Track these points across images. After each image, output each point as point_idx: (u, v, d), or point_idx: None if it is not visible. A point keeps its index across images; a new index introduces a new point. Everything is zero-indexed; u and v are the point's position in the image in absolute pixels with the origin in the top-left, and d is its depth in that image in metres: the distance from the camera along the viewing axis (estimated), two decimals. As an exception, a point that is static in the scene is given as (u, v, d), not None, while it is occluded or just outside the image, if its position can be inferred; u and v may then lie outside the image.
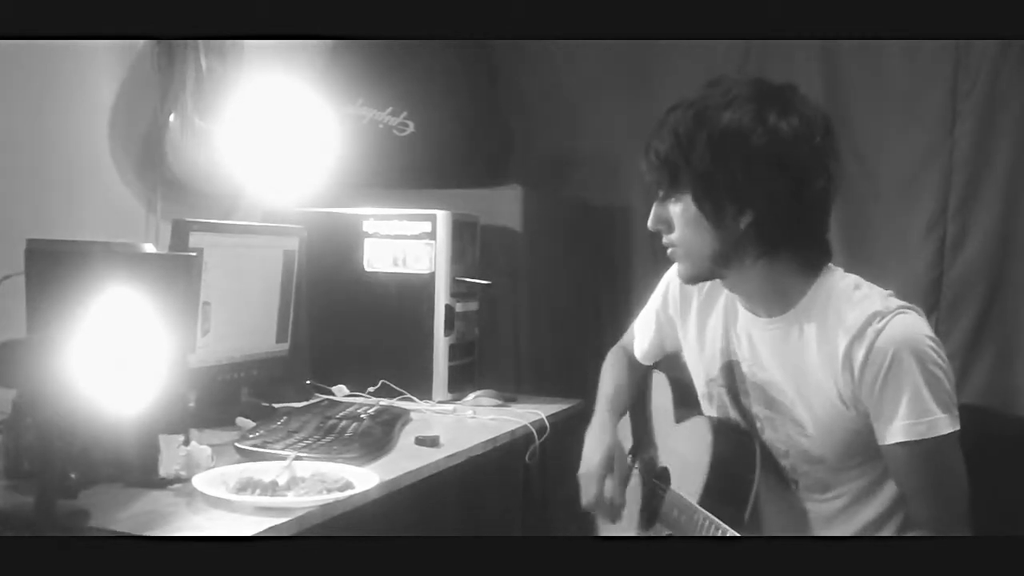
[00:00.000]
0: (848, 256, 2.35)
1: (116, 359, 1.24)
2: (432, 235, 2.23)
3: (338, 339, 2.31)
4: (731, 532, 1.42)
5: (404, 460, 1.68)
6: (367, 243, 2.29)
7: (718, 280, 1.59)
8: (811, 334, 1.49)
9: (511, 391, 2.31)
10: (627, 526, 1.78)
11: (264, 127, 2.25)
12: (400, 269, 2.26)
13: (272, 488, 1.40)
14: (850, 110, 2.44)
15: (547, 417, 2.06)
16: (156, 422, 1.44)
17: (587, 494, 1.70)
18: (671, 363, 1.84)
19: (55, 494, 1.24)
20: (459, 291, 2.28)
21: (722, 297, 1.62)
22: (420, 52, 2.47)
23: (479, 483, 2.23)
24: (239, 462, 1.56)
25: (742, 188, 1.44)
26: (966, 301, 2.34)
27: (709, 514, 1.47)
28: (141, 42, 2.09)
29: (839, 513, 1.53)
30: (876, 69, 2.41)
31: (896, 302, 1.46)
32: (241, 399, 2.07)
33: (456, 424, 2.05)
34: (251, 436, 1.70)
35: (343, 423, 1.81)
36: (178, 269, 1.54)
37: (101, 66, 2.04)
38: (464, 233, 2.32)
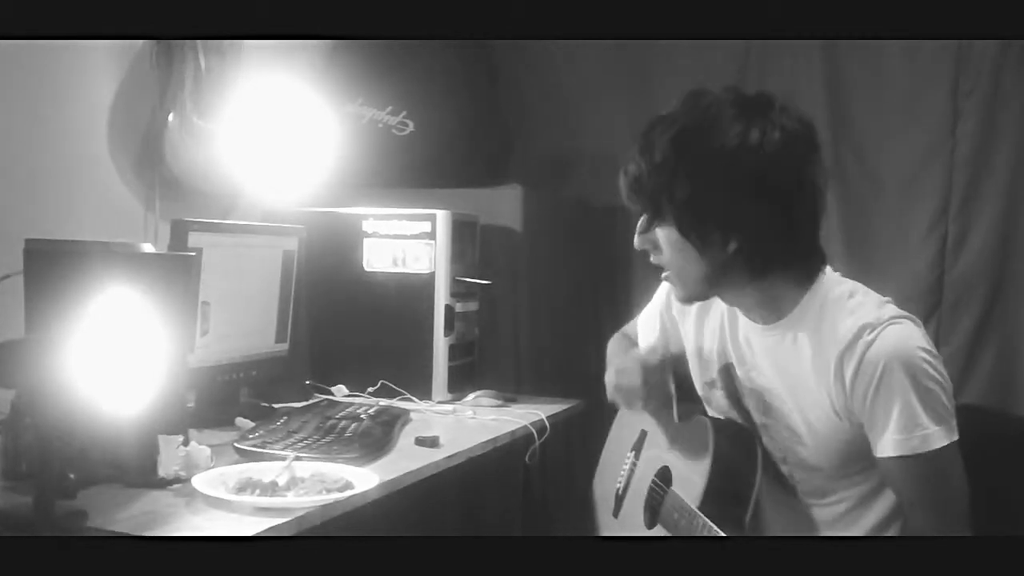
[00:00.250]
0: (849, 256, 2.36)
1: (115, 359, 1.24)
2: (432, 235, 2.23)
3: (338, 339, 2.31)
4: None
5: (404, 460, 1.68)
6: (367, 243, 2.29)
7: None
8: (804, 343, 1.47)
9: (511, 391, 2.31)
10: (628, 525, 1.78)
11: (263, 126, 2.25)
12: (400, 269, 2.26)
13: (272, 488, 1.40)
14: (850, 110, 2.44)
15: (547, 417, 2.06)
16: (155, 422, 1.44)
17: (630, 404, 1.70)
18: (675, 360, 1.84)
19: (54, 494, 1.24)
20: (459, 291, 2.28)
21: (721, 303, 1.62)
22: (420, 52, 2.47)
23: (479, 483, 2.22)
24: (238, 462, 1.56)
25: (727, 215, 1.40)
26: (967, 301, 2.34)
27: (709, 521, 1.46)
28: (140, 42, 2.08)
29: (841, 518, 1.52)
30: (876, 69, 2.41)
31: (890, 311, 1.43)
32: (240, 399, 2.07)
33: (456, 424, 2.04)
34: (250, 436, 1.70)
35: (343, 423, 1.80)
36: (177, 269, 1.54)
37: (100, 66, 2.04)
38: (464, 233, 2.32)
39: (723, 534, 1.42)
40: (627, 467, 1.84)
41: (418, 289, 2.24)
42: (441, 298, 2.23)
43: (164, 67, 2.11)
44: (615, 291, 2.63)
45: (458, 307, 2.28)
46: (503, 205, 2.46)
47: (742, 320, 1.57)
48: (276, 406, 2.02)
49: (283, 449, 1.62)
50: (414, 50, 2.46)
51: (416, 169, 2.51)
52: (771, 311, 1.51)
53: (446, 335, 2.24)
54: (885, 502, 1.50)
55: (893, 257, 2.38)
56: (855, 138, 2.43)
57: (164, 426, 1.47)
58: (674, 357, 1.75)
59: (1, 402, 1.42)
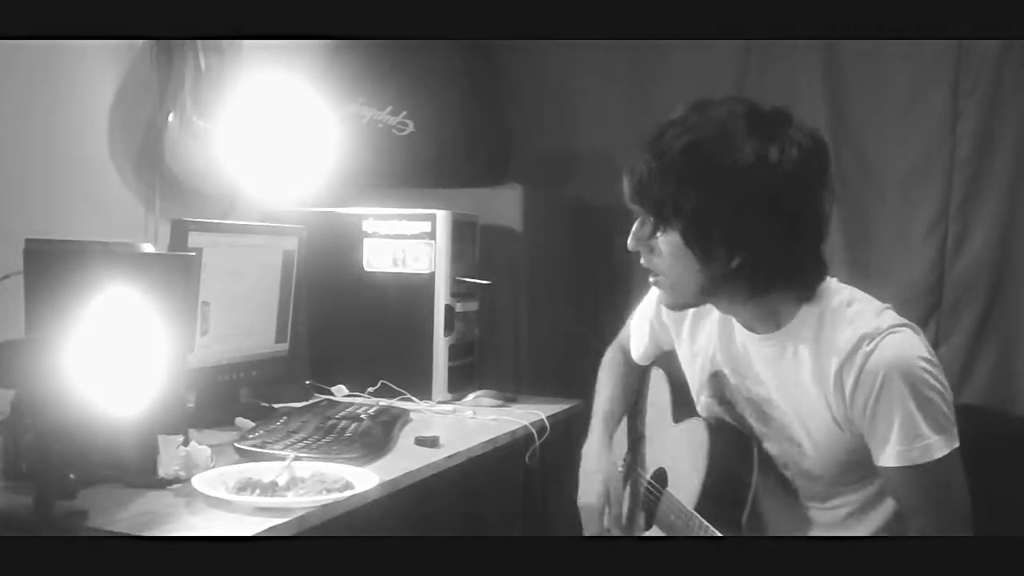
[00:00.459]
0: (849, 256, 2.35)
1: (115, 359, 1.24)
2: (432, 235, 2.22)
3: (338, 339, 2.30)
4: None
5: (404, 460, 1.68)
6: (366, 243, 2.28)
7: None
8: (804, 354, 1.46)
9: (511, 391, 2.31)
10: (626, 527, 1.78)
11: (263, 126, 2.25)
12: (400, 269, 2.26)
13: (272, 488, 1.40)
14: (850, 110, 2.44)
15: (547, 417, 2.06)
16: (155, 422, 1.44)
17: (589, 528, 1.72)
18: (671, 360, 1.84)
19: (54, 495, 1.24)
20: (459, 291, 2.28)
21: (716, 310, 1.61)
22: (420, 52, 2.47)
23: (479, 483, 2.22)
24: (238, 462, 1.56)
25: (734, 230, 1.38)
26: (967, 301, 2.34)
27: (705, 521, 1.46)
28: (140, 42, 2.08)
29: (842, 521, 1.52)
30: (876, 69, 2.41)
31: (889, 320, 1.41)
32: (240, 399, 2.07)
33: (456, 424, 2.04)
34: (250, 436, 1.70)
35: (343, 423, 1.80)
36: (177, 269, 1.54)
37: (100, 66, 2.04)
38: (464, 233, 2.32)
39: (719, 534, 1.42)
40: (624, 468, 1.84)
41: (418, 289, 2.24)
42: (441, 298, 2.23)
43: (164, 67, 2.11)
44: (615, 291, 2.63)
45: (458, 307, 2.28)
46: (503, 205, 2.46)
47: (738, 329, 1.55)
48: (276, 406, 2.02)
49: (283, 449, 1.62)
50: (414, 50, 2.46)
51: (416, 169, 2.51)
52: (769, 322, 1.49)
53: (446, 335, 2.24)
54: (887, 507, 1.49)
55: (893, 257, 2.38)
56: (855, 138, 2.43)
57: (164, 426, 1.47)
58: (674, 384, 1.77)
59: (1, 402, 1.42)
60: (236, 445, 1.65)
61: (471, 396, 2.24)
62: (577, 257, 2.70)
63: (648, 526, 1.69)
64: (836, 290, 1.48)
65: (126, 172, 2.10)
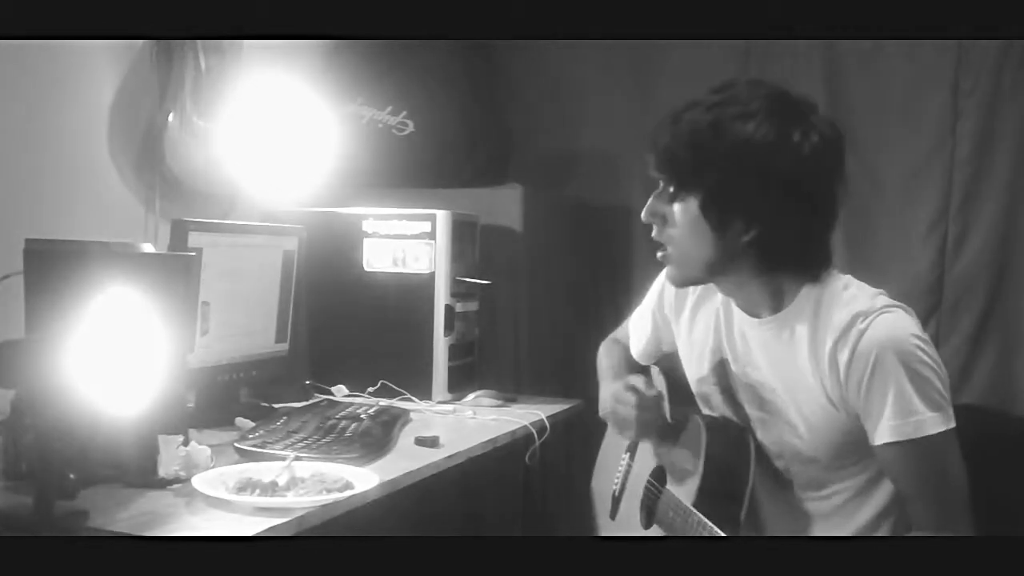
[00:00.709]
0: (849, 255, 2.35)
1: (115, 359, 1.24)
2: (432, 235, 2.22)
3: (338, 339, 2.30)
4: (722, 534, 1.42)
5: (404, 460, 1.68)
6: (367, 243, 2.28)
7: None
8: (801, 335, 1.48)
9: (511, 391, 2.31)
10: (625, 526, 1.78)
11: (263, 126, 2.25)
12: (400, 269, 2.26)
13: (272, 488, 1.40)
14: (851, 110, 2.44)
15: (547, 417, 2.06)
16: (155, 422, 1.44)
17: (621, 427, 1.70)
18: (668, 361, 1.84)
19: (54, 495, 1.24)
20: (459, 291, 2.28)
21: (717, 295, 1.62)
22: (420, 51, 2.47)
23: (479, 483, 2.22)
24: (238, 462, 1.56)
25: (753, 204, 1.42)
26: (967, 300, 2.34)
27: (703, 517, 1.47)
28: (140, 42, 2.08)
29: (837, 510, 1.53)
30: (876, 69, 2.41)
31: (883, 301, 1.45)
32: (240, 399, 2.07)
33: (456, 424, 2.04)
34: (250, 436, 1.70)
35: (343, 423, 1.80)
36: (177, 269, 1.54)
37: (100, 66, 2.04)
38: (464, 233, 2.32)
39: (718, 530, 1.42)
40: (622, 469, 1.84)
41: (418, 289, 2.24)
42: (441, 298, 2.23)
43: (164, 67, 2.11)
44: (615, 291, 2.63)
45: (458, 307, 2.28)
46: (503, 205, 2.46)
47: (737, 315, 1.58)
48: (276, 406, 2.02)
49: (283, 449, 1.62)
50: (414, 50, 2.46)
51: (416, 169, 2.51)
52: (769, 305, 1.52)
53: (446, 335, 2.24)
54: (881, 495, 1.51)
55: (893, 257, 2.38)
56: (855, 138, 2.42)
57: (164, 426, 1.47)
58: (672, 383, 1.77)
59: (1, 402, 1.42)
60: (236, 445, 1.65)
61: (471, 396, 2.24)
62: (577, 257, 2.70)
63: (648, 524, 1.69)
64: (835, 277, 1.51)
65: (126, 172, 2.10)
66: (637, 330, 1.84)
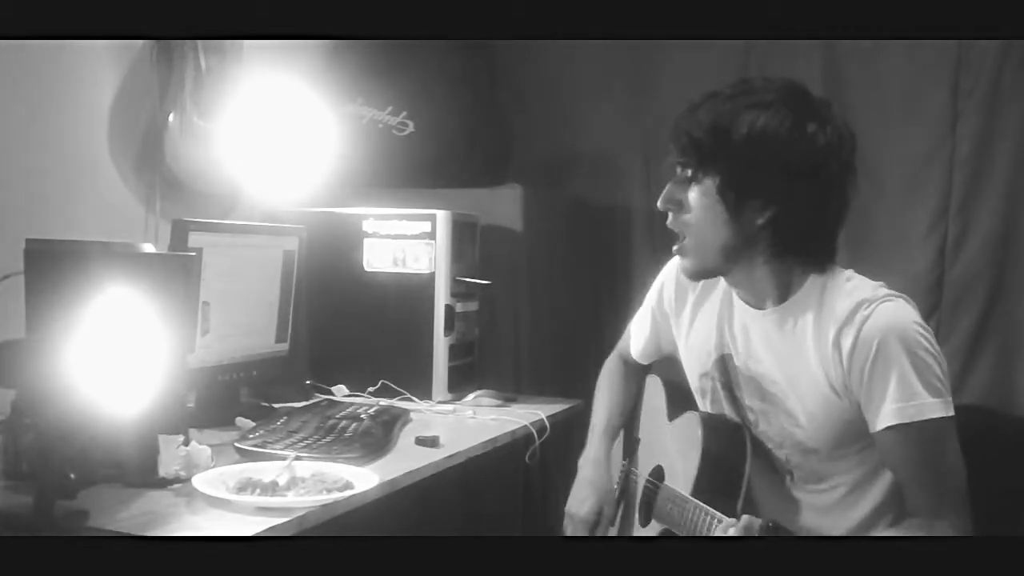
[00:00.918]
0: (850, 256, 2.33)
1: (115, 359, 1.24)
2: (432, 235, 2.23)
3: (338, 339, 2.31)
4: (720, 515, 1.43)
5: (404, 460, 1.68)
6: (367, 243, 2.29)
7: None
8: (805, 324, 1.50)
9: (511, 391, 2.31)
10: (626, 525, 1.78)
11: (263, 126, 2.25)
12: (400, 269, 2.26)
13: (272, 488, 1.40)
14: (851, 110, 2.43)
15: (547, 417, 2.06)
16: (155, 422, 1.44)
17: (572, 532, 1.76)
18: (667, 367, 1.85)
19: (54, 494, 1.24)
20: (459, 291, 2.28)
21: (718, 291, 1.63)
22: (420, 52, 2.47)
23: (479, 483, 2.22)
24: (239, 462, 1.56)
25: (769, 187, 1.45)
26: (967, 301, 2.34)
27: (699, 503, 1.49)
28: (140, 42, 2.08)
29: (836, 504, 1.54)
30: (876, 69, 2.41)
31: (885, 291, 1.48)
32: (241, 399, 2.07)
33: (456, 424, 2.04)
34: (251, 436, 1.70)
35: (343, 423, 1.80)
36: (177, 269, 1.54)
37: (100, 66, 2.04)
38: (464, 233, 2.32)
39: (716, 511, 1.44)
40: (621, 473, 1.85)
41: (418, 289, 2.24)
42: (441, 298, 2.23)
43: (164, 67, 2.11)
44: (615, 291, 2.63)
45: (458, 307, 2.28)
46: (503, 205, 2.46)
47: (738, 309, 1.59)
48: (276, 406, 2.02)
49: (283, 449, 1.62)
50: (414, 50, 2.46)
51: (416, 169, 2.51)
52: (774, 295, 1.54)
53: (446, 335, 2.24)
54: (879, 488, 1.52)
55: (893, 257, 2.38)
56: (855, 138, 2.43)
57: (164, 426, 1.47)
58: (670, 388, 1.80)
59: (1, 402, 1.42)
60: (236, 445, 1.65)
61: (471, 396, 2.24)
62: (577, 257, 2.70)
63: (647, 521, 1.70)
64: (839, 270, 1.54)
65: (126, 172, 2.10)
66: (637, 330, 1.85)
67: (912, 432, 1.40)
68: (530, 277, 2.47)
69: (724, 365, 1.62)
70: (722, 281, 1.61)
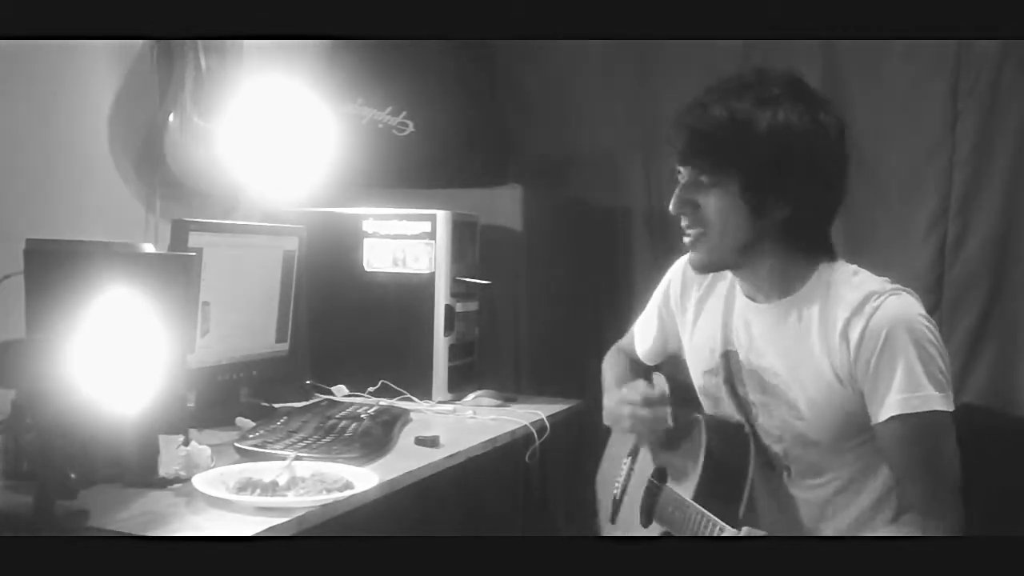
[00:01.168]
0: (850, 255, 2.34)
1: (115, 359, 1.24)
2: (432, 235, 2.23)
3: (338, 339, 2.31)
4: (722, 524, 1.42)
5: (404, 460, 1.68)
6: (367, 243, 2.29)
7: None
8: (810, 316, 1.51)
9: (511, 391, 2.31)
10: (626, 525, 1.78)
11: (263, 127, 2.25)
12: (400, 269, 2.26)
13: (272, 488, 1.40)
14: (850, 109, 2.43)
15: (547, 417, 2.06)
16: (155, 422, 1.44)
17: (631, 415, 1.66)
18: (671, 366, 1.84)
19: (54, 494, 1.24)
20: (459, 291, 2.28)
21: (721, 288, 1.64)
22: (420, 52, 2.47)
23: (479, 483, 2.22)
24: (239, 462, 1.56)
25: (792, 181, 1.46)
26: (967, 300, 2.33)
27: (702, 508, 1.48)
28: (140, 42, 2.08)
29: (832, 499, 1.55)
30: (876, 69, 2.41)
31: (892, 285, 1.50)
32: (241, 399, 2.07)
33: (456, 424, 2.04)
34: (251, 436, 1.70)
35: (343, 423, 1.80)
36: (177, 269, 1.54)
37: (100, 66, 2.04)
38: (464, 233, 2.32)
39: (717, 519, 1.44)
40: (624, 472, 1.85)
41: (418, 289, 2.24)
42: (441, 298, 2.23)
43: (164, 67, 2.11)
44: (615, 291, 2.63)
45: (458, 307, 2.28)
46: (503, 205, 2.46)
47: (740, 303, 1.60)
48: (276, 406, 2.02)
49: (283, 449, 1.62)
50: (414, 50, 2.45)
51: (416, 169, 2.51)
52: (779, 289, 1.55)
53: (446, 335, 2.24)
54: (876, 484, 1.52)
55: (893, 256, 2.38)
56: (855, 138, 2.41)
57: (164, 426, 1.47)
58: (674, 386, 1.76)
59: (1, 402, 1.42)
60: (236, 445, 1.65)
61: (471, 396, 2.24)
62: (577, 257, 2.69)
63: (648, 522, 1.70)
64: (843, 264, 1.56)
65: (126, 172, 2.10)
66: (643, 330, 1.85)
67: (914, 423, 1.41)
68: (530, 277, 2.48)
69: (727, 360, 1.63)
70: (727, 277, 1.62)
